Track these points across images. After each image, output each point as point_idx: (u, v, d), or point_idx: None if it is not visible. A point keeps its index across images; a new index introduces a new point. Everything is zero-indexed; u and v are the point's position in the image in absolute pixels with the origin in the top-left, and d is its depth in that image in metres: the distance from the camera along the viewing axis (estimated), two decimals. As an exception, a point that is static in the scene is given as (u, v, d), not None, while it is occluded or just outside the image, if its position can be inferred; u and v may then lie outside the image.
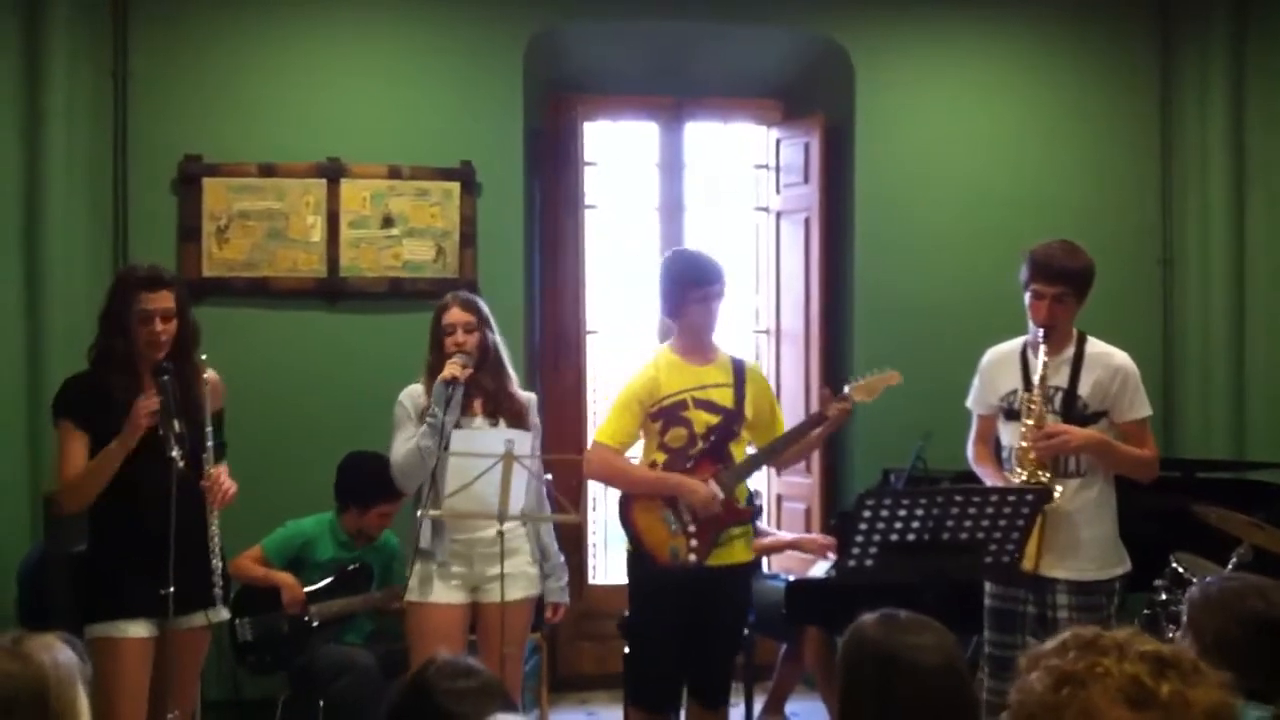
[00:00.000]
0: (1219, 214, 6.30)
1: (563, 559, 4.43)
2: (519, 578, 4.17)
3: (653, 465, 4.33)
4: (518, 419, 4.22)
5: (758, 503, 5.80)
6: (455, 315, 4.23)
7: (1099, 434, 4.04)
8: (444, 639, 4.02)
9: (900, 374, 4.34)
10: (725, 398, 4.32)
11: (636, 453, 4.45)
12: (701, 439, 4.27)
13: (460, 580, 4.16)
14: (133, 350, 3.74)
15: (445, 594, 4.15)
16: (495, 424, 4.19)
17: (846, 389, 4.33)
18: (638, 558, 4.36)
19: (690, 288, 4.30)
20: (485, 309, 4.32)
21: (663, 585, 4.27)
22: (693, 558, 4.22)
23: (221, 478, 3.78)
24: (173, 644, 3.72)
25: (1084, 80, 6.43)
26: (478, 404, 4.21)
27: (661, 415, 4.30)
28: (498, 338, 4.30)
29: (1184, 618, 2.67)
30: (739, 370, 4.39)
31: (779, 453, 4.41)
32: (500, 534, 3.98)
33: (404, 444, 4.17)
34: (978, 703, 2.32)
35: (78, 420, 3.73)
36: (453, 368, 4.11)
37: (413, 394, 4.24)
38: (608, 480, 4.49)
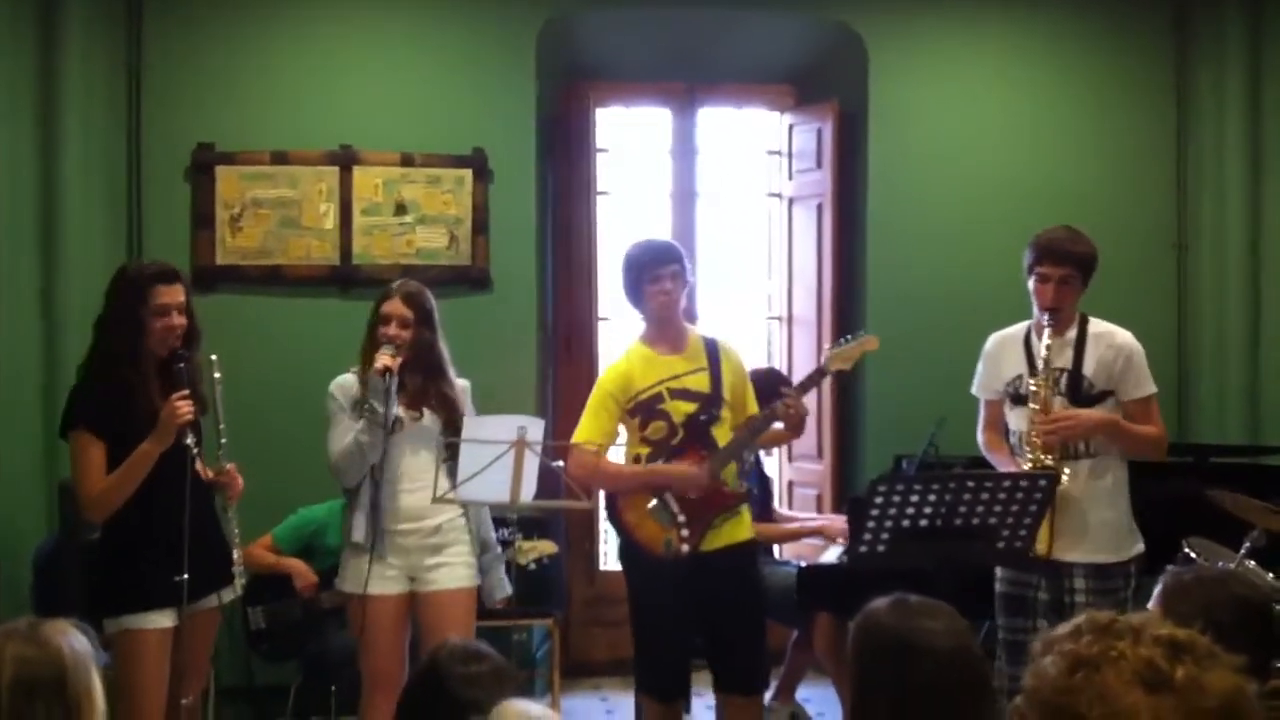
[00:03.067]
0: (1234, 199, 6.27)
1: (500, 550, 4.37)
2: (458, 567, 4.13)
3: (636, 459, 4.26)
4: (448, 415, 4.15)
5: (770, 488, 5.84)
6: (394, 307, 4.13)
7: (1106, 415, 4.04)
8: (385, 629, 4.05)
9: (877, 338, 4.29)
10: (701, 383, 4.25)
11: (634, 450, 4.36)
12: (683, 428, 4.21)
13: (398, 571, 4.10)
14: (146, 345, 3.74)
15: (382, 585, 4.07)
16: (421, 417, 4.12)
17: (823, 359, 4.30)
18: (630, 552, 4.31)
19: (642, 273, 4.24)
20: (430, 305, 4.20)
21: (661, 577, 4.20)
22: (685, 548, 4.17)
23: (236, 473, 3.86)
24: (187, 627, 3.74)
25: (1098, 65, 6.40)
26: (404, 398, 4.11)
27: (638, 411, 4.24)
28: (440, 337, 4.20)
29: (1156, 606, 2.61)
30: (712, 351, 4.31)
31: (752, 438, 4.32)
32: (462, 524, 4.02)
33: (341, 438, 4.09)
34: (992, 686, 2.32)
35: (95, 429, 3.71)
36: (384, 358, 4.02)
37: (343, 385, 4.17)
38: (590, 483, 4.31)
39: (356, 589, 4.08)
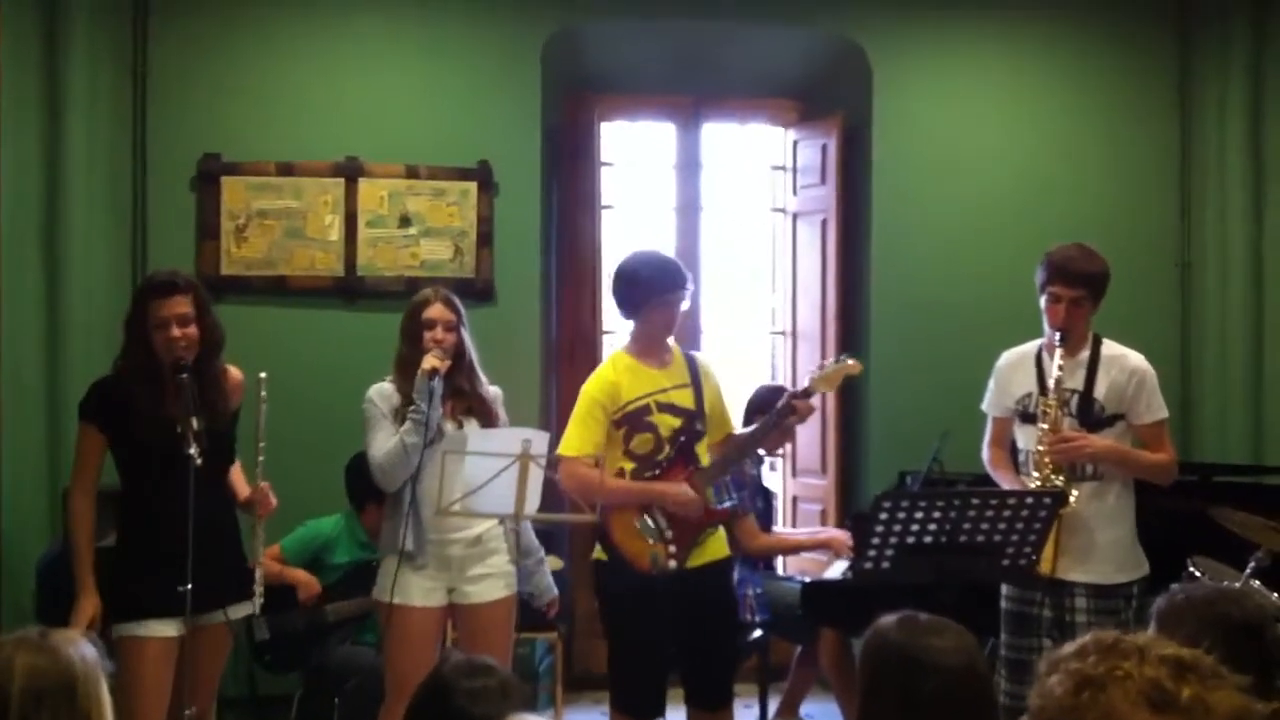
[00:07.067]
0: (1237, 216, 6.28)
1: (543, 554, 4.45)
2: (499, 577, 4.14)
3: (620, 473, 4.17)
4: (488, 420, 4.21)
5: (772, 501, 5.83)
6: (437, 311, 4.15)
7: (1116, 444, 4.03)
8: (416, 641, 4.05)
9: (860, 363, 4.24)
10: (685, 399, 4.22)
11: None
12: (669, 443, 4.17)
13: (437, 582, 4.12)
14: (152, 359, 3.76)
15: (423, 597, 4.10)
16: (461, 426, 4.16)
17: (808, 381, 4.25)
18: (613, 567, 4.19)
19: (651, 291, 4.16)
20: (462, 308, 4.25)
21: (646, 593, 4.13)
22: (672, 564, 4.12)
23: (269, 492, 3.90)
24: (194, 641, 3.74)
25: (1102, 81, 6.41)
26: (450, 405, 4.17)
27: (625, 421, 4.17)
28: (469, 339, 4.25)
29: (1151, 628, 2.59)
30: (694, 367, 4.29)
31: (739, 456, 4.34)
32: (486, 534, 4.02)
33: (385, 442, 4.10)
34: (997, 704, 2.32)
35: (98, 424, 3.77)
36: (433, 360, 4.05)
37: (383, 392, 4.18)
38: (585, 495, 4.12)
39: (389, 597, 4.09)
